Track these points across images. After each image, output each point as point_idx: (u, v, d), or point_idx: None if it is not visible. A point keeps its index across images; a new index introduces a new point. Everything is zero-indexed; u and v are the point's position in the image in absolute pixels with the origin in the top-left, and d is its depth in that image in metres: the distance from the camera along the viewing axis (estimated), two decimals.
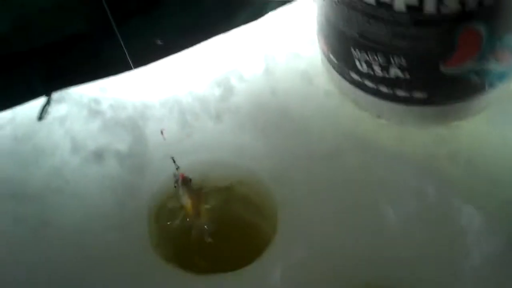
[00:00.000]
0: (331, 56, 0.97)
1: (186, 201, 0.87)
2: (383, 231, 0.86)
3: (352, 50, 0.89)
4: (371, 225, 0.87)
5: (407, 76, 0.87)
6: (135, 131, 0.98)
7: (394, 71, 0.87)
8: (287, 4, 1.11)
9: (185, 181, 0.88)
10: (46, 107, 1.01)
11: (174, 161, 0.89)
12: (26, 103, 1.01)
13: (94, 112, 1.01)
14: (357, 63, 0.91)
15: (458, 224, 0.85)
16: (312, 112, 1.00)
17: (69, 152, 0.97)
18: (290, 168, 0.94)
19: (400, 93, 0.91)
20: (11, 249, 0.88)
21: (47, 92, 1.02)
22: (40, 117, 1.01)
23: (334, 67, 0.98)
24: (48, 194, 0.93)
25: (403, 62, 0.85)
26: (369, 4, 0.80)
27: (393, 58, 0.85)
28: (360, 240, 0.85)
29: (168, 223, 0.91)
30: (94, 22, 1.00)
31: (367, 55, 0.88)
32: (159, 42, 1.04)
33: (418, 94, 0.90)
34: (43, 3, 0.97)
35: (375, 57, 0.87)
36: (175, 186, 0.88)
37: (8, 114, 1.02)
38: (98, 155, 0.96)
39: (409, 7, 0.77)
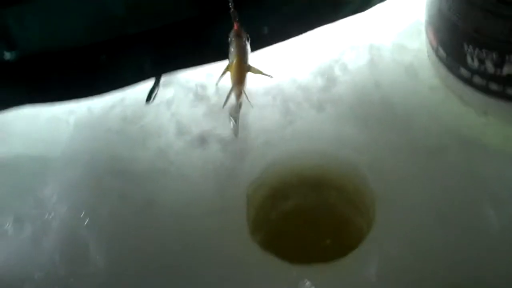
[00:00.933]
0: (440, 50, 0.95)
1: (232, 58, 0.84)
2: (482, 232, 0.84)
3: (465, 45, 0.87)
4: (470, 225, 0.85)
5: None
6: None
7: (508, 69, 0.85)
8: None
9: (238, 34, 0.84)
10: (155, 90, 1.06)
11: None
12: (135, 84, 1.05)
13: (200, 97, 1.04)
14: (469, 58, 0.89)
15: None
16: (415, 106, 0.99)
17: (174, 135, 1.01)
18: (391, 162, 0.93)
19: (511, 91, 0.88)
20: (116, 224, 0.93)
21: (156, 75, 1.06)
22: (148, 99, 1.05)
23: (442, 61, 0.96)
24: (153, 175, 0.97)
25: None
26: (490, 1, 0.78)
27: (509, 56, 0.83)
28: (458, 239, 0.83)
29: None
30: (205, 8, 1.02)
31: (481, 51, 0.86)
32: (265, 30, 1.05)
33: None
34: None
35: (489, 54, 0.85)
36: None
37: (119, 95, 1.06)
38: (202, 139, 1.00)
39: None
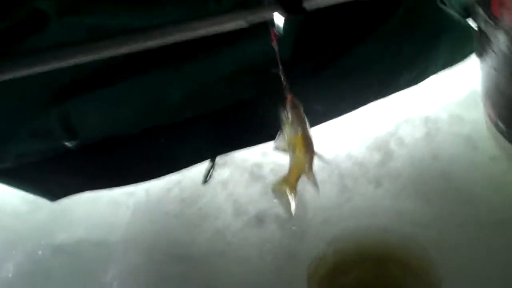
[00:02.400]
0: (499, 123, 0.94)
1: (293, 129, 0.80)
2: None
3: None
4: None
5: None
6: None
7: None
8: (448, 68, 1.09)
9: (295, 104, 0.81)
10: (211, 171, 1.07)
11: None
12: (192, 166, 1.07)
13: (255, 176, 1.05)
14: None
15: None
16: (477, 178, 0.97)
17: (231, 215, 1.02)
18: (455, 237, 0.91)
19: None
20: None
21: (212, 156, 1.08)
22: (205, 180, 1.07)
23: (502, 134, 0.95)
24: (212, 258, 0.98)
25: None
26: None
27: None
28: None
29: None
30: (260, 90, 1.04)
31: None
32: (318, 107, 1.06)
33: None
34: (221, 73, 1.03)
35: None
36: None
37: (175, 177, 1.09)
38: (259, 219, 1.00)
39: None
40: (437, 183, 0.98)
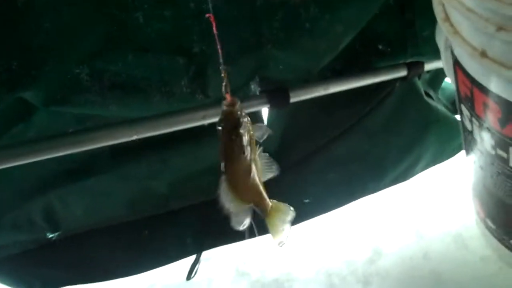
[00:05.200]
0: (488, 222, 0.95)
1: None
2: None
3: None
4: None
5: None
6: None
7: None
8: (437, 163, 1.11)
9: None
10: (196, 266, 1.07)
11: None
12: (177, 260, 1.07)
13: (240, 273, 1.05)
14: None
15: None
16: (467, 279, 0.97)
17: None
18: None
19: None
20: None
21: (198, 251, 1.08)
22: (189, 276, 1.07)
23: (491, 233, 0.96)
24: None
25: None
26: None
27: None
28: None
29: None
30: None
31: None
32: (306, 201, 1.07)
33: None
34: (208, 163, 1.04)
35: None
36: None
37: (159, 272, 1.08)
38: None
39: None
40: (427, 282, 0.98)
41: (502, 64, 0.59)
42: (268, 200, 0.72)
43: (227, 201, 0.68)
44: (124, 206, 1.03)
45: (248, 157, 0.67)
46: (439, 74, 1.06)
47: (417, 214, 1.09)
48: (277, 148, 1.03)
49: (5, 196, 0.90)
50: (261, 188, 0.71)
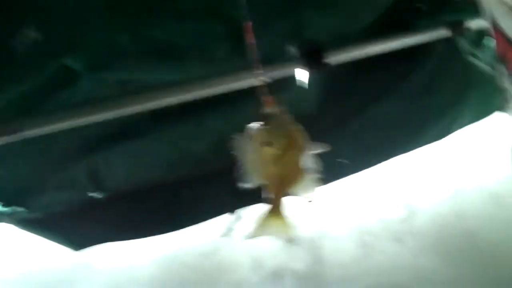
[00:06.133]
0: None
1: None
2: None
3: None
4: None
5: None
6: (313, 251, 1.02)
7: None
8: (476, 122, 1.10)
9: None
10: (231, 224, 1.09)
11: None
12: (213, 219, 1.09)
13: None
14: None
15: None
16: (502, 237, 0.98)
17: (249, 269, 1.04)
18: None
19: None
20: None
21: (233, 210, 1.10)
22: (225, 234, 1.09)
23: None
24: None
25: None
26: None
27: None
28: None
29: None
30: None
31: None
32: (341, 160, 1.08)
33: None
34: (237, 129, 1.05)
35: None
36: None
37: (196, 229, 1.11)
38: (277, 274, 1.02)
39: None
40: (460, 241, 0.99)
41: None
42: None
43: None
44: (164, 167, 1.05)
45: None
46: (484, 33, 1.04)
47: (452, 173, 1.09)
48: (315, 110, 1.03)
49: (51, 159, 0.93)
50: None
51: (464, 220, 1.01)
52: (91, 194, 1.00)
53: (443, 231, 1.01)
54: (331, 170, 1.05)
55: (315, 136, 0.96)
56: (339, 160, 1.08)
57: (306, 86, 0.96)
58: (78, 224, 1.05)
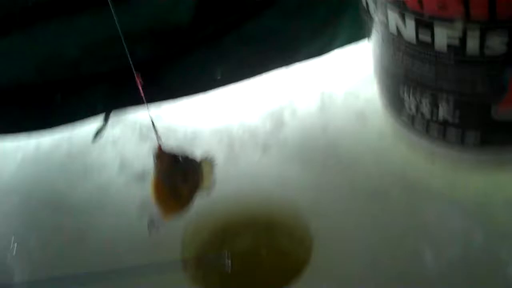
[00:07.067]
0: (383, 97, 0.99)
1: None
2: (421, 279, 0.84)
3: (400, 90, 0.91)
4: (409, 270, 0.85)
5: (457, 118, 0.87)
6: None
7: (443, 114, 0.87)
8: (352, 43, 1.13)
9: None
10: (102, 129, 1.10)
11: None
12: (85, 123, 1.10)
13: (145, 136, 1.08)
14: (406, 104, 0.92)
15: (504, 278, 0.81)
16: (362, 150, 1.02)
17: (116, 171, 1.05)
18: (331, 203, 0.95)
19: (451, 137, 0.91)
20: (48, 256, 0.95)
21: (106, 115, 1.10)
22: (95, 138, 1.09)
23: (386, 108, 1.00)
24: (91, 210, 1.01)
25: (451, 104, 0.85)
26: (411, 43, 0.81)
27: (440, 100, 0.85)
28: (393, 283, 0.84)
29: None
30: (159, 52, 1.07)
31: (414, 96, 0.89)
32: (219, 72, 1.10)
33: (470, 139, 0.89)
34: (112, 32, 1.05)
35: (422, 99, 0.88)
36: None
37: (67, 133, 1.11)
38: (142, 176, 1.03)
39: (450, 47, 0.76)
40: (322, 153, 1.03)
41: None
42: None
43: None
44: (32, 68, 1.04)
45: None
46: None
47: (323, 91, 1.12)
48: (192, 20, 1.04)
49: None
50: None
51: (328, 135, 1.05)
52: None
53: (308, 143, 1.05)
54: (201, 82, 1.07)
55: (187, 50, 0.97)
56: (215, 73, 1.10)
57: None
58: None
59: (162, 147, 0.77)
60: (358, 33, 1.10)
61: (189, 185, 0.79)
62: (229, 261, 0.89)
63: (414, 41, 0.79)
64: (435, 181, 0.95)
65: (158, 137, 0.77)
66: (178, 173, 0.77)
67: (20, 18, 0.96)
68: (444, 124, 0.89)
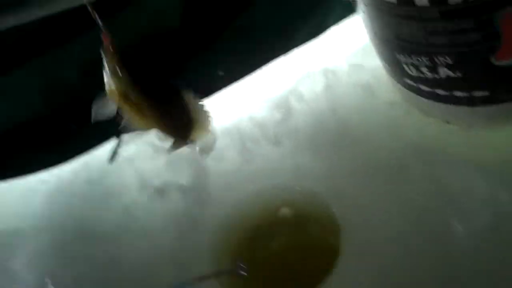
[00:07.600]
0: (385, 64, 0.96)
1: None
2: (452, 250, 0.81)
3: (396, 54, 0.87)
4: (439, 242, 0.83)
5: (459, 75, 0.83)
6: (196, 164, 1.04)
7: (443, 71, 0.83)
8: (347, 17, 1.11)
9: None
10: (117, 149, 1.11)
11: None
12: (99, 146, 1.11)
13: (158, 148, 1.09)
14: (405, 67, 0.88)
15: None
16: (375, 125, 0.99)
17: (137, 190, 1.06)
18: (352, 186, 0.93)
19: (458, 93, 0.86)
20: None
21: (118, 135, 1.11)
22: (111, 159, 1.10)
23: (390, 75, 0.97)
24: (117, 234, 1.02)
25: (448, 60, 0.81)
26: (392, 3, 0.77)
27: (436, 57, 0.82)
28: (426, 260, 0.81)
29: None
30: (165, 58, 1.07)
31: (411, 57, 0.85)
32: (220, 73, 1.09)
33: (478, 93, 0.85)
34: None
35: (419, 59, 0.84)
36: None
37: (83, 159, 1.12)
38: (162, 191, 1.04)
39: (431, 0, 0.73)
40: (334, 135, 1.01)
41: None
42: None
43: None
44: (40, 101, 1.05)
45: None
46: None
47: (326, 69, 1.10)
48: (180, 23, 1.04)
49: None
50: None
51: (338, 114, 1.03)
52: None
53: (318, 126, 1.03)
54: (208, 84, 1.06)
55: (185, 54, 0.97)
56: (217, 73, 1.10)
57: None
58: None
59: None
60: (349, 7, 1.07)
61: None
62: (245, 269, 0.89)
63: (394, 0, 0.76)
64: (454, 144, 0.92)
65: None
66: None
67: (15, 54, 0.97)
68: (448, 81, 0.85)
